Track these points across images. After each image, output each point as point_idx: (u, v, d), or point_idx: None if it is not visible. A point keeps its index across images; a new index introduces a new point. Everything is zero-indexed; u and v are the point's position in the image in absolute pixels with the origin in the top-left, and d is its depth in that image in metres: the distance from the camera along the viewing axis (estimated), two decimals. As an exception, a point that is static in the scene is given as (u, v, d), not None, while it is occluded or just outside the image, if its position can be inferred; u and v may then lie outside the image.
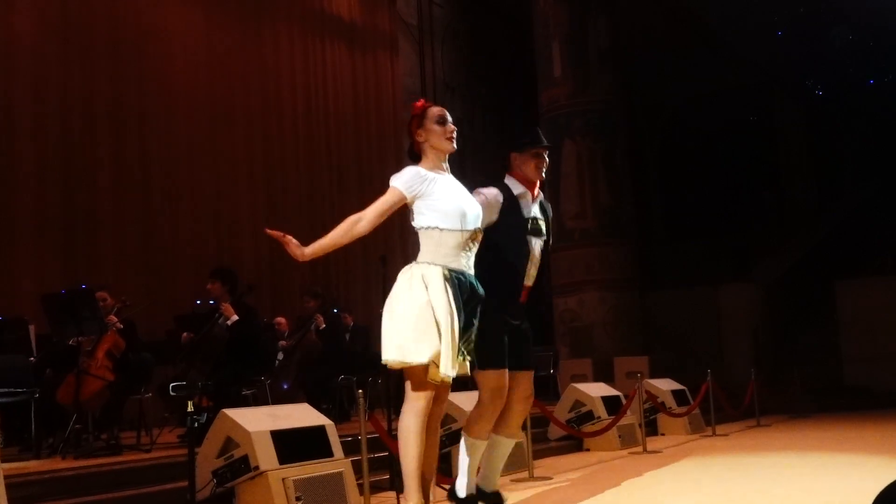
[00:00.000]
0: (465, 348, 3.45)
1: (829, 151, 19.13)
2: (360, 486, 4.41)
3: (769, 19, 16.30)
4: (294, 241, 3.44)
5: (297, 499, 4.25)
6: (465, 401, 5.24)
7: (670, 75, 17.32)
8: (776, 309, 14.37)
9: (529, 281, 4.05)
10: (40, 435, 5.87)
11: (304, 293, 8.95)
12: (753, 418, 9.37)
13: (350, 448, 4.86)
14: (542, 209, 4.18)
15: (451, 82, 14.52)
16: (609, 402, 7.38)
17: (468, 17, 15.01)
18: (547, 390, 10.76)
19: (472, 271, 3.53)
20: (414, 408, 3.37)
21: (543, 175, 4.18)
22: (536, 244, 4.09)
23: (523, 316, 4.09)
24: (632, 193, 12.58)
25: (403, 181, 3.48)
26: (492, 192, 3.99)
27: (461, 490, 4.07)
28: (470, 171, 11.85)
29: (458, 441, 5.71)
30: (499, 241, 3.91)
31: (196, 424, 3.76)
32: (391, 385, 6.31)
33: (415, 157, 3.62)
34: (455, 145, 3.62)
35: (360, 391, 4.50)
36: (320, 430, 4.67)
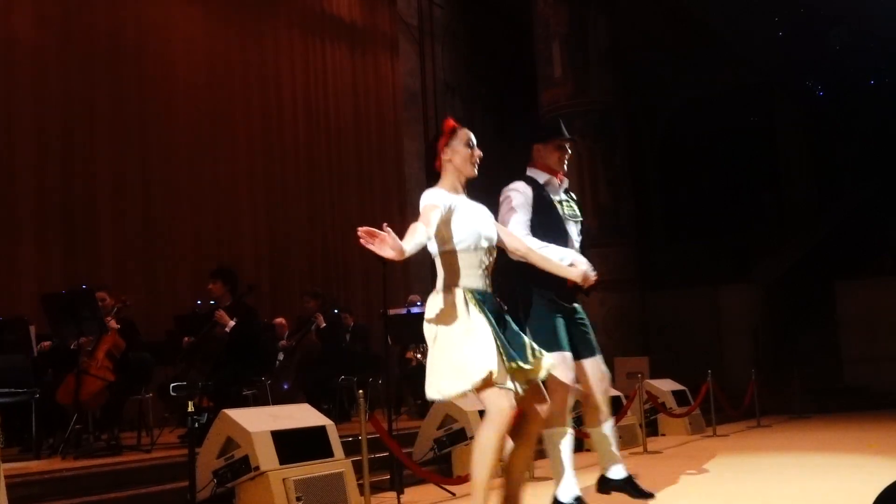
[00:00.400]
0: (531, 345, 3.39)
1: (829, 151, 19.09)
2: (361, 487, 4.41)
3: (769, 20, 16.26)
4: (391, 235, 2.91)
5: (298, 499, 4.25)
6: (465, 401, 5.23)
7: (670, 76, 17.30)
8: (776, 309, 14.36)
9: None
10: (40, 435, 5.88)
11: (304, 293, 8.96)
12: (753, 419, 9.37)
13: (350, 448, 4.86)
14: (568, 194, 4.28)
15: (452, 82, 14.51)
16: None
17: (468, 18, 15.00)
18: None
19: (490, 290, 3.42)
20: (494, 422, 3.19)
21: (565, 167, 4.25)
22: (573, 228, 4.16)
23: (575, 299, 4.14)
24: (632, 194, 12.55)
25: (436, 198, 3.33)
26: (522, 186, 4.07)
27: (568, 494, 3.95)
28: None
29: (459, 441, 5.75)
30: (537, 229, 3.98)
31: (196, 425, 3.77)
32: (391, 385, 6.31)
33: (433, 176, 3.48)
34: (476, 171, 3.49)
35: (361, 391, 4.51)
36: (321, 430, 4.68)
